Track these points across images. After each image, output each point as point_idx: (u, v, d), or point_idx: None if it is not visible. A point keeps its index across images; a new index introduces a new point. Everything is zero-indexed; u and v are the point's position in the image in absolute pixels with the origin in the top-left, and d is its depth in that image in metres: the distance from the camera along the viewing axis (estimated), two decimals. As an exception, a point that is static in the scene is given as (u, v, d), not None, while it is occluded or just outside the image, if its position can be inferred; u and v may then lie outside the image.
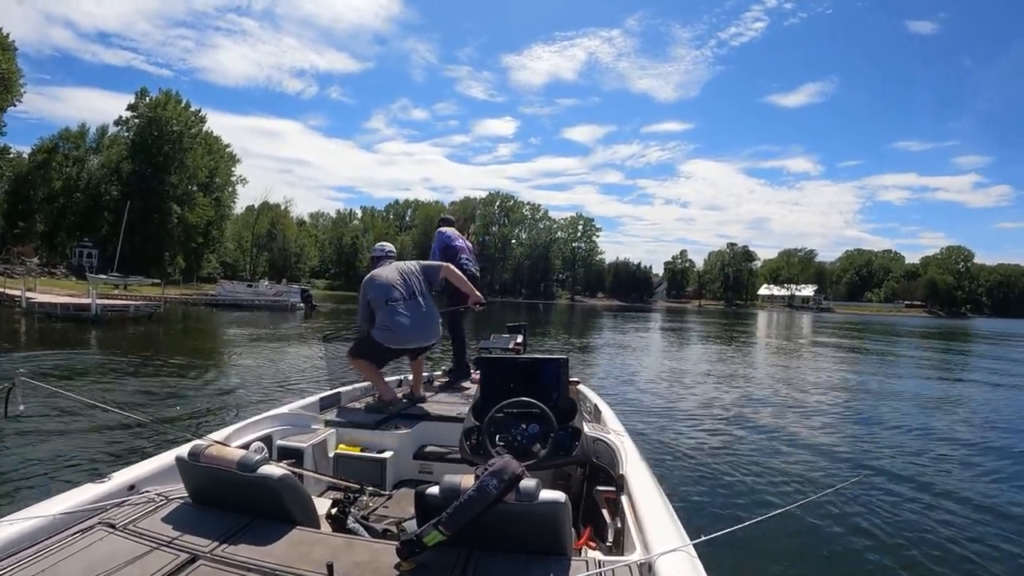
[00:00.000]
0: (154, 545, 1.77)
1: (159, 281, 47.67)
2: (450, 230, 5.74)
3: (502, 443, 2.64)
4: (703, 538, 1.83)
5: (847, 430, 8.52)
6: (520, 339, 5.56)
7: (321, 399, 4.17)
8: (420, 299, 4.33)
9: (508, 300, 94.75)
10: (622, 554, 2.11)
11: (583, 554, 2.03)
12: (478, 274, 5.64)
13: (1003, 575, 4.18)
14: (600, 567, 1.74)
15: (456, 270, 4.73)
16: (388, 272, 4.40)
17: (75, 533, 1.84)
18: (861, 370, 17.08)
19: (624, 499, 2.49)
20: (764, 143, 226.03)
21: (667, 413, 9.44)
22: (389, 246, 4.76)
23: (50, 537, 1.82)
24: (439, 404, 4.39)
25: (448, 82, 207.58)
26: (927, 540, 4.62)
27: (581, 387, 4.22)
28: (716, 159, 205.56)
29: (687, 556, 1.78)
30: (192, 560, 1.70)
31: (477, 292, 4.89)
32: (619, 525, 2.46)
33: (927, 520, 5.01)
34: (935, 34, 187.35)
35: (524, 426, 2.68)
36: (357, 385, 4.71)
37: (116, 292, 38.94)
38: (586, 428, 2.85)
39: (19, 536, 1.83)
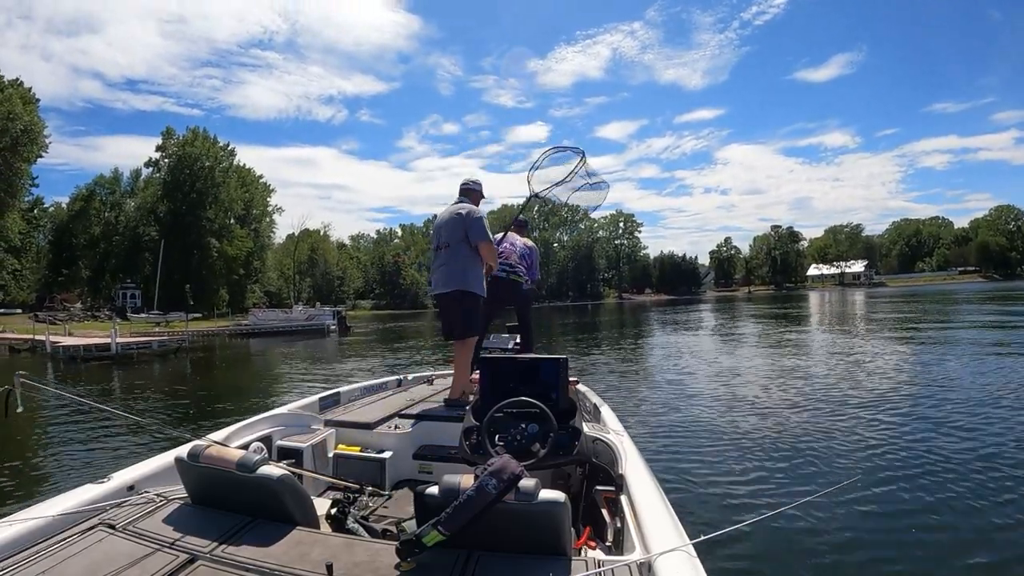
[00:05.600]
0: (154, 546, 1.77)
1: (199, 315, 47.70)
2: (511, 235, 5.80)
3: (502, 443, 2.61)
4: (703, 538, 1.81)
5: (852, 427, 7.97)
6: (520, 339, 5.55)
7: (321, 399, 4.16)
8: (452, 248, 4.41)
9: (556, 304, 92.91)
10: (622, 554, 2.07)
11: (583, 554, 2.01)
12: (511, 278, 5.45)
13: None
14: (600, 567, 1.72)
15: (492, 251, 4.69)
16: (446, 213, 4.55)
17: (75, 534, 1.85)
18: (883, 357, 15.31)
19: (624, 499, 2.44)
20: (799, 121, 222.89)
21: (669, 412, 9.35)
22: (468, 180, 4.77)
23: (50, 538, 1.82)
24: (438, 404, 4.35)
25: (475, 93, 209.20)
26: (928, 539, 4.48)
27: (580, 387, 4.30)
28: (752, 142, 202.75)
29: (687, 556, 1.75)
30: (192, 560, 1.70)
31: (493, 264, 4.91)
32: (619, 525, 2.42)
33: (929, 519, 4.83)
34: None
35: (524, 426, 2.66)
36: (356, 385, 4.78)
37: (156, 329, 39.95)
38: (586, 428, 2.85)
39: (19, 537, 1.82)
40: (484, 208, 4.82)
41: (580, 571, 1.67)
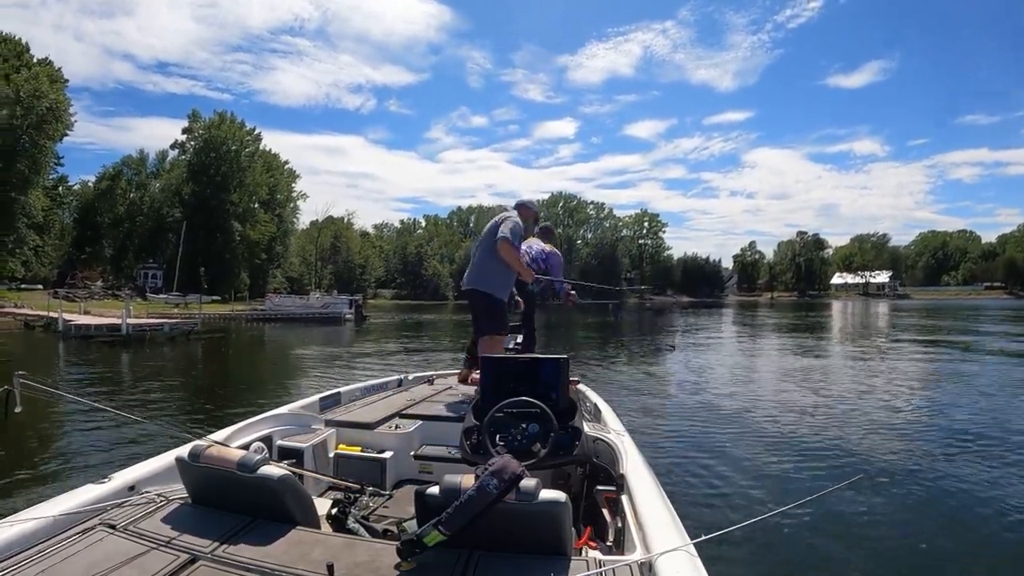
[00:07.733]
0: (154, 546, 1.77)
1: (218, 299, 47.39)
2: (533, 240, 5.76)
3: (502, 443, 2.60)
4: (703, 537, 1.80)
5: (854, 429, 7.98)
6: (520, 339, 5.53)
7: (321, 399, 4.13)
8: (484, 247, 4.69)
9: (578, 302, 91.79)
10: (622, 554, 2.06)
11: (583, 554, 1.99)
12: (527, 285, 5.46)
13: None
14: (600, 567, 1.71)
15: (510, 252, 4.56)
16: (494, 219, 4.76)
17: (75, 534, 1.84)
18: (893, 368, 15.09)
19: (624, 499, 2.44)
20: (828, 127, 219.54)
21: (669, 412, 9.40)
22: (517, 204, 5.01)
23: (51, 538, 1.82)
24: (439, 404, 4.32)
25: (505, 87, 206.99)
26: (928, 539, 4.44)
27: (581, 386, 4.29)
28: (780, 147, 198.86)
29: (687, 555, 1.75)
30: (192, 561, 1.70)
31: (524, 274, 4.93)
32: (619, 525, 2.41)
33: (930, 519, 4.81)
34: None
35: (524, 426, 2.64)
36: (357, 385, 4.76)
37: (175, 311, 39.70)
38: (586, 428, 2.83)
39: (19, 537, 1.81)
40: (508, 204, 4.89)
41: (581, 571, 1.66)
